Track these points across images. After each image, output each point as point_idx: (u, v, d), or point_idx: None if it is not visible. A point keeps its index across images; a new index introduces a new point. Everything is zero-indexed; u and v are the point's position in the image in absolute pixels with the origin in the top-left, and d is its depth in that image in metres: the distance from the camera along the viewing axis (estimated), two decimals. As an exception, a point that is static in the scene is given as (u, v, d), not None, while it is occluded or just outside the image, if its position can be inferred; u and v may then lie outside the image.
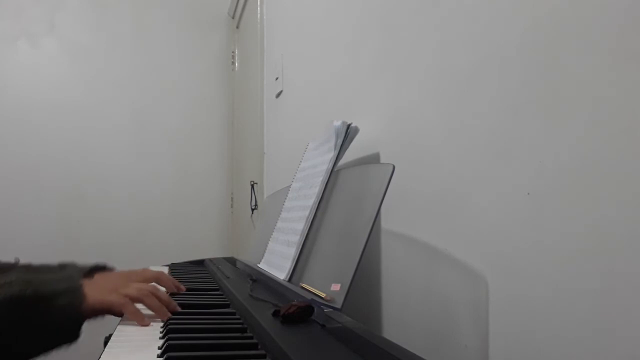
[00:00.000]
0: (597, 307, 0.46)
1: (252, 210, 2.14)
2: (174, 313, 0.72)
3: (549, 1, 0.53)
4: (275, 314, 0.62)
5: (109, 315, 0.72)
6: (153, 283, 0.80)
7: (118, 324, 0.71)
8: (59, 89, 2.56)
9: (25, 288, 0.65)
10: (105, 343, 0.63)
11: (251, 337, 0.60)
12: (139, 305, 0.72)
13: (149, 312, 0.72)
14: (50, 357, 0.75)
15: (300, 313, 0.60)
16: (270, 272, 0.90)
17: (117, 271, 0.87)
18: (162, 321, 0.70)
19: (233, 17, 2.80)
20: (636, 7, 0.43)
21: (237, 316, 0.73)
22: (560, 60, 0.52)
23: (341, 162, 0.87)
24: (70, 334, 0.67)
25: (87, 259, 0.91)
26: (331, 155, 0.86)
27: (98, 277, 0.77)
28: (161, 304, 0.72)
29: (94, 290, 0.70)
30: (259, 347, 0.57)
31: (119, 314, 0.72)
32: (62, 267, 0.82)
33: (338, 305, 0.61)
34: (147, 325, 0.69)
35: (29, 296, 0.65)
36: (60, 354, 0.76)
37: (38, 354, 0.66)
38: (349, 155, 0.95)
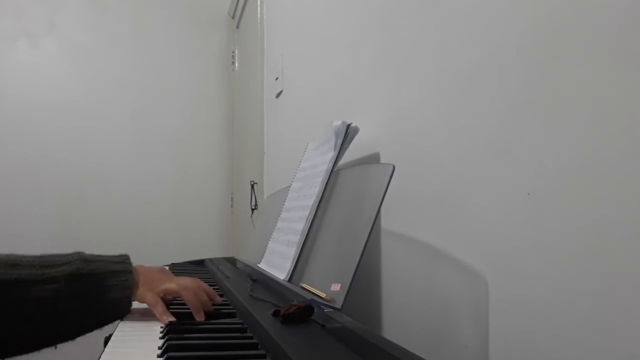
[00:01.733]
0: (597, 307, 0.46)
1: (252, 210, 2.14)
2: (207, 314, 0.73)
3: (549, 1, 0.53)
4: (275, 314, 0.62)
5: None
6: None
7: (118, 324, 0.71)
8: (59, 89, 2.56)
9: (83, 266, 0.70)
10: (106, 343, 0.63)
11: (251, 337, 0.60)
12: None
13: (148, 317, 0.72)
14: (51, 356, 0.75)
15: (300, 313, 0.60)
16: (270, 272, 0.90)
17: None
18: (199, 320, 0.71)
19: (233, 17, 2.80)
20: (636, 7, 0.43)
21: (237, 316, 0.73)
22: (560, 60, 0.52)
23: (341, 162, 0.87)
24: (120, 311, 0.71)
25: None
26: (331, 155, 0.86)
27: (142, 267, 0.78)
28: (198, 301, 0.73)
29: (139, 281, 0.74)
30: (259, 347, 0.57)
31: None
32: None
33: (338, 305, 0.61)
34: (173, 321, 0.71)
35: (86, 274, 0.69)
36: (61, 354, 0.76)
37: (91, 328, 0.70)
38: (349, 155, 0.95)
